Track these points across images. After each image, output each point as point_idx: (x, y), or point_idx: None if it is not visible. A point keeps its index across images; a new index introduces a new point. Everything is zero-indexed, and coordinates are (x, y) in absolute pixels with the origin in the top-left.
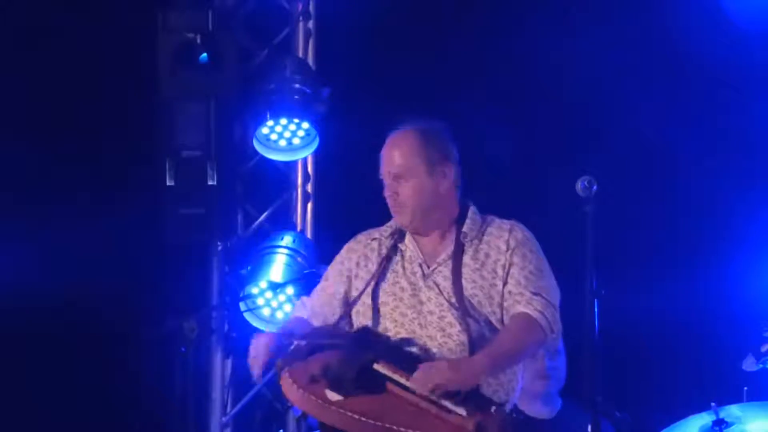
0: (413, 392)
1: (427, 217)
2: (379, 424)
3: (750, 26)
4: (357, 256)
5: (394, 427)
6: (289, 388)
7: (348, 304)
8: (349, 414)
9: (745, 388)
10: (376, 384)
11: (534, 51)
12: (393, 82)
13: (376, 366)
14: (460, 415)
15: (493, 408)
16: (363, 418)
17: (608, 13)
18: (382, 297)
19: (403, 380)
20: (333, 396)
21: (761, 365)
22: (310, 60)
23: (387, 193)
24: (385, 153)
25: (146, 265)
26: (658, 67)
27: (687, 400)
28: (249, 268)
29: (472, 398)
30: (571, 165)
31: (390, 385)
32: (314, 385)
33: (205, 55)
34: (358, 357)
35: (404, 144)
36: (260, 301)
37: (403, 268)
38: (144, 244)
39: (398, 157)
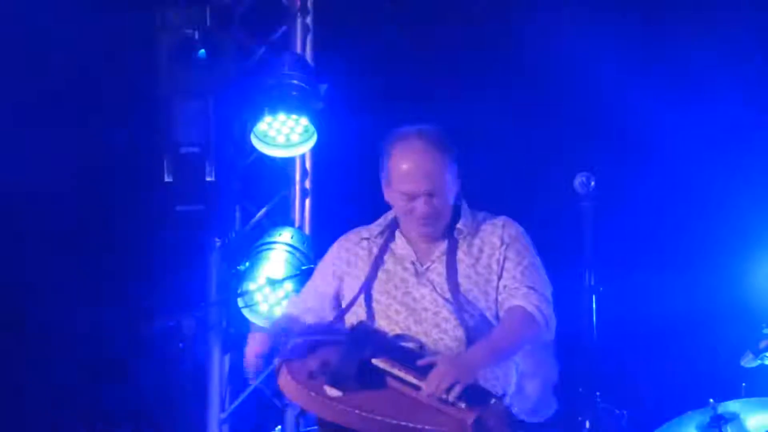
0: (413, 386)
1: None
2: (380, 418)
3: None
4: (348, 256)
5: (395, 422)
6: (287, 384)
7: (340, 304)
8: (350, 409)
9: (744, 384)
10: (376, 379)
11: (532, 47)
12: (391, 78)
13: (374, 361)
14: (460, 408)
15: (493, 400)
16: (363, 413)
17: (607, 9)
18: (375, 296)
19: (402, 374)
20: (332, 392)
21: (759, 361)
22: (308, 56)
23: (417, 209)
24: (412, 172)
25: (144, 261)
26: (658, 64)
27: (685, 396)
28: (247, 264)
29: (472, 391)
30: (570, 161)
31: (389, 380)
32: (313, 381)
33: (203, 51)
34: (357, 353)
35: (432, 162)
36: (258, 297)
37: (395, 267)
38: (142, 241)
39: (432, 177)
